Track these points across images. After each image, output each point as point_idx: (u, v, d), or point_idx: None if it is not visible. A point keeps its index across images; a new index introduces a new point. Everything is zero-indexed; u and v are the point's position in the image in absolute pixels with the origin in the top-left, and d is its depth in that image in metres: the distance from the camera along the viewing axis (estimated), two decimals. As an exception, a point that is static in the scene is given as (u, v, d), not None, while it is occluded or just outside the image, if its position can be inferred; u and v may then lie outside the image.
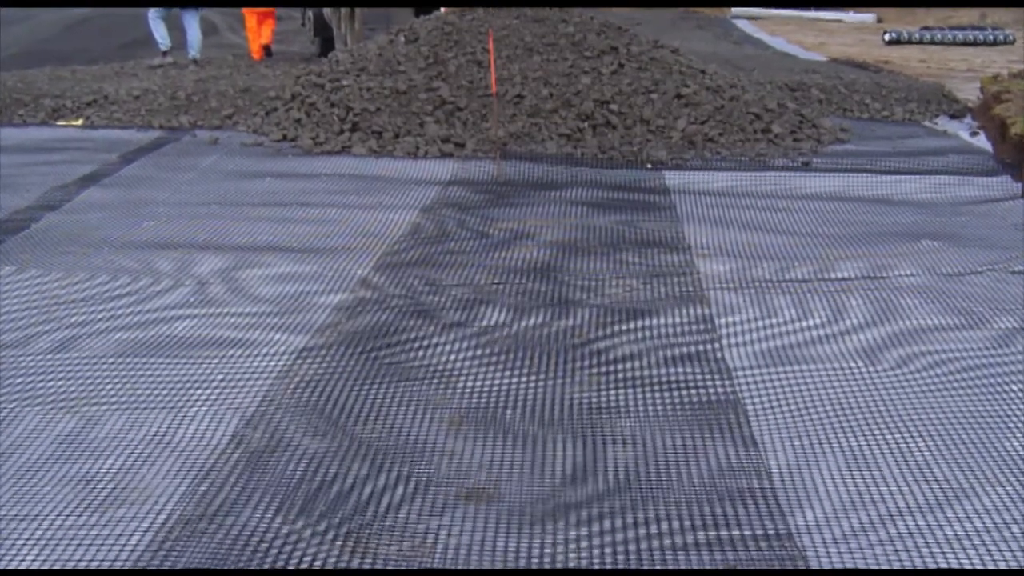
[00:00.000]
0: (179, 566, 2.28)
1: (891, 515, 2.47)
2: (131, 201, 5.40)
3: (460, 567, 2.29)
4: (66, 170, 6.03)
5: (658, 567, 2.28)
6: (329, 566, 2.28)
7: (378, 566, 2.28)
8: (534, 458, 2.75)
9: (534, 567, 2.29)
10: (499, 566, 2.29)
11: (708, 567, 2.28)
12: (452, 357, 3.40)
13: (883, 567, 2.27)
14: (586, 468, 2.69)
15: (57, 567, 2.29)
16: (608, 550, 2.33)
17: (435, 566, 2.29)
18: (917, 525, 2.43)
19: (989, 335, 3.59)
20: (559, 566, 2.29)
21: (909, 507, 2.50)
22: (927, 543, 2.36)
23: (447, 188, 5.72)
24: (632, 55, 7.41)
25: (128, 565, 2.28)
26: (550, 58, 7.33)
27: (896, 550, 2.33)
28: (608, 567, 2.28)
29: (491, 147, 6.43)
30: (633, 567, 2.28)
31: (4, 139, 6.91)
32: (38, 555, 2.32)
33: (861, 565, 2.28)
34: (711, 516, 2.46)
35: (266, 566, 2.28)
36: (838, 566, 2.28)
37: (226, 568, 2.27)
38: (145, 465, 2.70)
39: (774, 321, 3.73)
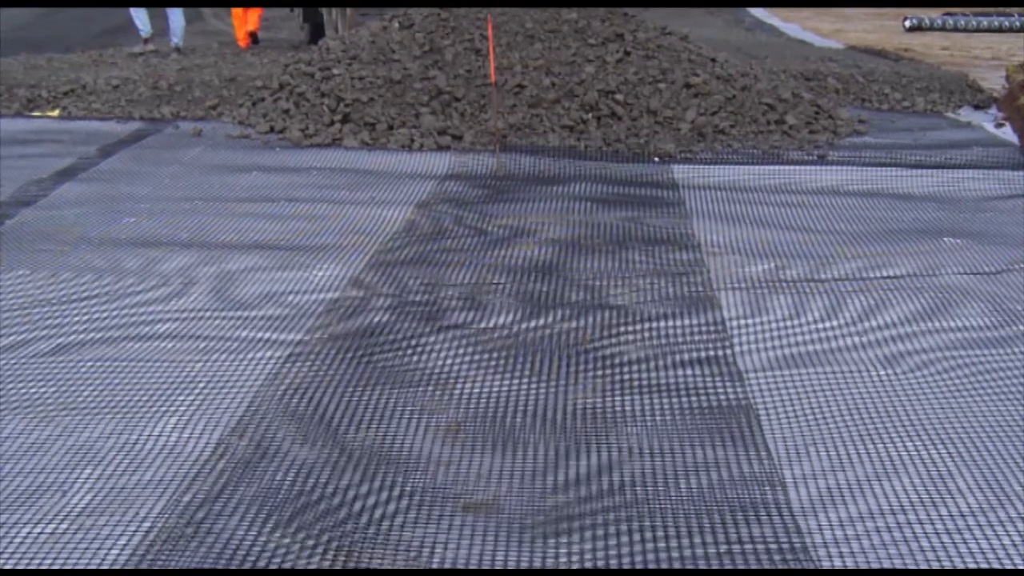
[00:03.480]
0: (161, 581, 2.28)
1: (911, 526, 2.47)
2: (110, 196, 5.39)
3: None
4: (42, 164, 6.03)
5: None
6: None
7: None
8: (535, 467, 2.74)
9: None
10: (498, 581, 2.29)
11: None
12: (449, 361, 3.40)
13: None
14: (590, 478, 2.69)
15: (32, 582, 2.29)
16: (613, 564, 2.33)
17: (431, 581, 2.29)
18: (938, 533, 2.43)
19: (1015, 337, 3.58)
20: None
21: (931, 518, 2.50)
22: (948, 554, 2.36)
23: (444, 182, 5.72)
24: (639, 42, 7.41)
25: (107, 580, 2.28)
26: (552, 45, 7.33)
27: (917, 561, 2.33)
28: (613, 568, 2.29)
29: (490, 139, 6.43)
30: None
31: (-24, 131, 6.91)
32: (14, 568, 2.32)
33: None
34: (722, 528, 2.46)
35: (252, 581, 2.28)
36: (856, 581, 2.28)
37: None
38: (125, 474, 2.70)
39: (788, 322, 3.73)
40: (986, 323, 3.71)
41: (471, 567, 2.33)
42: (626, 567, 2.32)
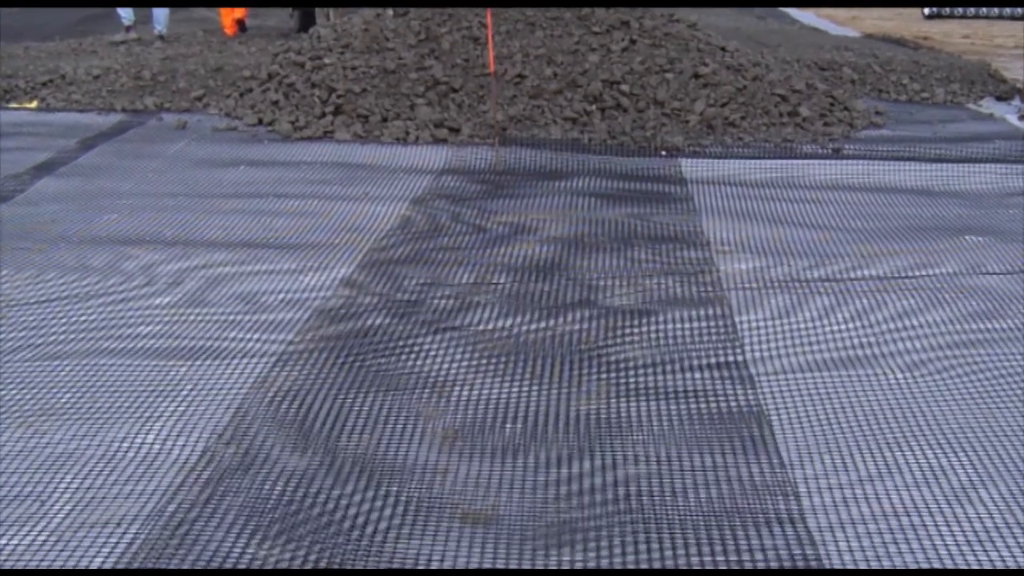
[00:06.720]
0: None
1: (931, 539, 2.47)
2: (91, 192, 5.40)
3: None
4: (19, 157, 6.04)
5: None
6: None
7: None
8: (536, 476, 2.75)
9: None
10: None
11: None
12: (445, 364, 3.40)
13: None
14: (594, 487, 2.69)
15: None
16: None
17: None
18: (959, 544, 2.43)
19: (1039, 340, 3.59)
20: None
21: (952, 532, 2.50)
22: (968, 563, 2.36)
23: (440, 177, 5.72)
24: (645, 30, 7.41)
25: (87, 594, 2.29)
26: (554, 33, 7.33)
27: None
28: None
29: (489, 132, 6.44)
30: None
31: (-50, 123, 6.92)
32: (-12, 583, 2.32)
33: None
34: (732, 539, 2.46)
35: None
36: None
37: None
38: (107, 484, 2.70)
39: (801, 324, 3.73)
40: (1009, 325, 3.71)
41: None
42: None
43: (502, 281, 4.15)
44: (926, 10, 14.52)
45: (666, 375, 3.33)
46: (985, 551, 2.42)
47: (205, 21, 12.63)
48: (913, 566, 2.36)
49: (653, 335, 3.64)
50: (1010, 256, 4.44)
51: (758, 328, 3.70)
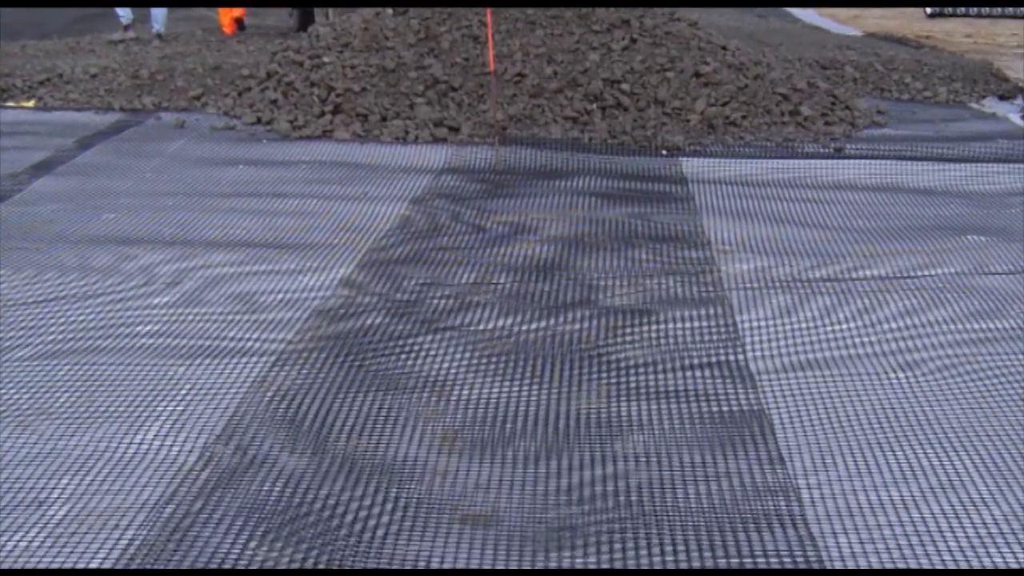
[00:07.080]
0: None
1: (931, 534, 2.47)
2: (89, 191, 5.40)
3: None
4: (16, 157, 6.04)
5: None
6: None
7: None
8: (536, 477, 2.75)
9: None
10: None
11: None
12: (445, 364, 3.41)
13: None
14: (594, 488, 2.69)
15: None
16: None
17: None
18: (958, 540, 2.43)
19: (1042, 340, 3.60)
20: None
21: (953, 530, 2.51)
22: (970, 562, 2.36)
23: (440, 177, 5.73)
24: (646, 29, 7.42)
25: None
26: (554, 32, 7.33)
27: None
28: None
29: (489, 131, 6.44)
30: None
31: (-53, 122, 6.92)
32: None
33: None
34: (733, 542, 2.46)
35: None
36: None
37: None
38: (104, 485, 2.70)
39: (803, 324, 3.73)
40: (1010, 324, 3.72)
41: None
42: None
43: (502, 281, 4.15)
44: (928, 9, 14.51)
45: (667, 375, 3.33)
46: (985, 548, 2.43)
47: (203, 20, 12.63)
48: (914, 565, 2.37)
49: (654, 335, 3.64)
50: (1012, 256, 4.45)
51: (759, 328, 3.70)
